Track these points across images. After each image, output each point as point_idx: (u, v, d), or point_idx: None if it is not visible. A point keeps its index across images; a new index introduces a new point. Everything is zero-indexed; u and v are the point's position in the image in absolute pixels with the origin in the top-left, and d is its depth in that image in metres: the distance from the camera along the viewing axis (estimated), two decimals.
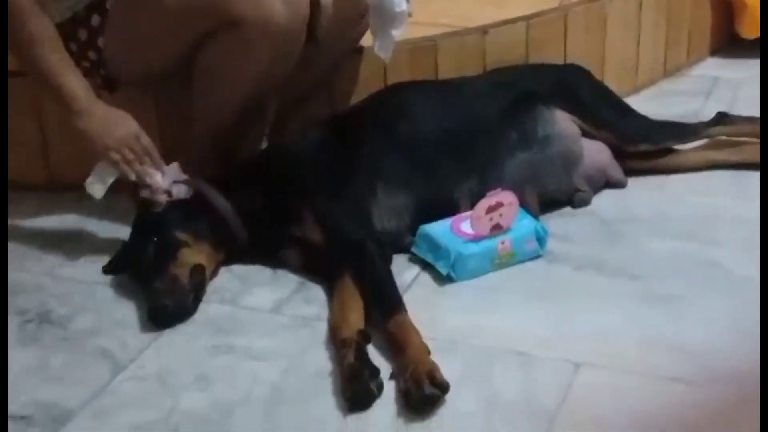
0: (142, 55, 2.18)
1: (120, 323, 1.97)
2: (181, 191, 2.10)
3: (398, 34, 2.28)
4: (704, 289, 1.97)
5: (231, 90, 2.17)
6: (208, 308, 2.00)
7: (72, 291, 2.08)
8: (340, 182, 2.10)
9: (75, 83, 2.05)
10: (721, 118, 2.44)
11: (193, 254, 2.02)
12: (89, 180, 2.11)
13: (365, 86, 2.42)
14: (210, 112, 2.22)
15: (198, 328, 1.94)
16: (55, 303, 2.04)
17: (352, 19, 2.33)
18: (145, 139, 2.09)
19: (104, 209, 2.36)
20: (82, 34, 2.17)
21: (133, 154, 2.07)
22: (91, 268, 2.14)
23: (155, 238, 2.03)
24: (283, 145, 2.25)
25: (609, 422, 1.65)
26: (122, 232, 2.16)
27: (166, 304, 1.94)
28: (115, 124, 2.08)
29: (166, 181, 2.08)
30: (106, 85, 2.26)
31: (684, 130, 2.42)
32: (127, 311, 2.00)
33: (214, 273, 2.09)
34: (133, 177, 2.07)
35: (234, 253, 2.12)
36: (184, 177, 2.11)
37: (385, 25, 2.27)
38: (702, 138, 2.43)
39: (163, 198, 2.07)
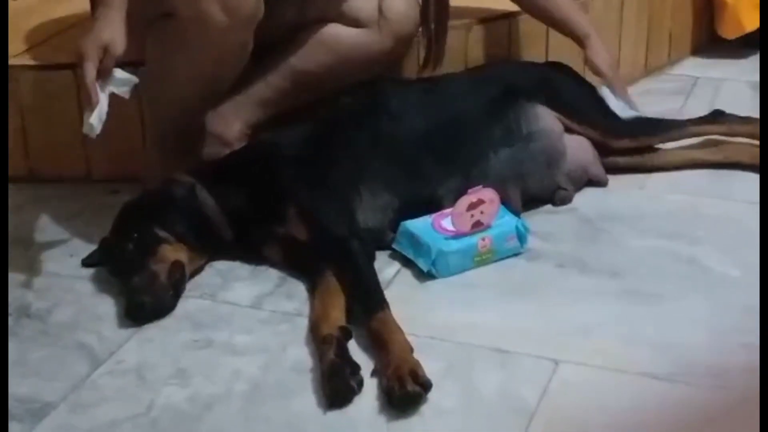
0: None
1: (99, 317, 1.96)
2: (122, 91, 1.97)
3: None
4: (684, 287, 1.98)
5: (173, 88, 2.16)
6: (188, 303, 1.99)
7: (51, 285, 2.06)
8: (323, 179, 2.10)
9: None
10: (716, 116, 2.42)
11: (173, 251, 2.01)
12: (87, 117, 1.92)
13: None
14: (159, 109, 2.23)
15: (177, 323, 1.93)
16: (33, 297, 2.02)
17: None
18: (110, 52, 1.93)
19: (84, 203, 2.36)
20: None
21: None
22: (71, 261, 2.13)
23: (135, 234, 2.02)
24: (266, 142, 2.24)
25: (588, 419, 1.65)
26: (102, 226, 2.14)
27: (143, 301, 1.93)
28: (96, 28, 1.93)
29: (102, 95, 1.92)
30: None
31: (670, 127, 2.41)
32: (106, 305, 1.99)
33: (198, 270, 2.08)
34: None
35: (216, 249, 2.11)
36: (128, 78, 1.98)
37: None
38: (691, 136, 2.41)
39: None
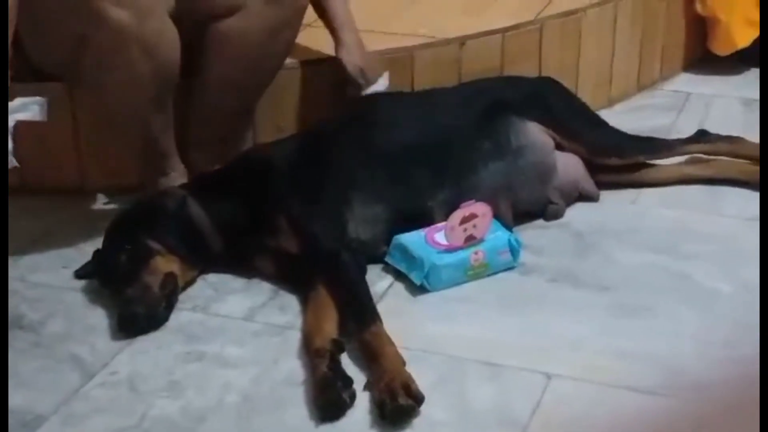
0: (37, 43, 2.17)
1: (92, 329, 1.96)
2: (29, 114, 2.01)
3: None
4: (675, 302, 1.98)
5: (112, 103, 2.17)
6: (181, 315, 1.99)
7: (44, 296, 2.06)
8: (315, 192, 2.10)
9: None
10: (701, 135, 2.45)
11: (166, 263, 2.02)
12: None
13: (341, 96, 2.42)
14: (112, 125, 2.24)
15: (170, 335, 1.93)
16: (26, 308, 2.02)
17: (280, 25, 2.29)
18: None
19: (77, 214, 2.36)
20: None
21: None
22: (64, 273, 2.13)
23: (128, 246, 2.02)
24: (259, 155, 2.24)
25: None
26: (96, 238, 2.14)
27: (136, 312, 1.93)
28: None
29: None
30: (35, 75, 2.27)
31: (658, 146, 2.43)
32: (99, 317, 1.99)
33: (191, 282, 2.08)
34: None
35: (208, 262, 2.11)
36: (31, 100, 2.03)
37: None
38: (678, 154, 2.43)
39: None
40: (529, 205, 2.27)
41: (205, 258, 2.10)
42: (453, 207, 2.06)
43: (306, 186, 2.11)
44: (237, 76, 2.27)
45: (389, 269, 2.10)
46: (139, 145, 2.24)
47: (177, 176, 2.26)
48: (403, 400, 1.66)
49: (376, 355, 1.77)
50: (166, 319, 1.97)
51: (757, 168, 2.37)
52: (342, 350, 1.81)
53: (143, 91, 2.13)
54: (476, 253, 2.06)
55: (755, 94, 2.84)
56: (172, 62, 2.14)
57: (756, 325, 1.84)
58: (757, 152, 2.41)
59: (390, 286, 2.07)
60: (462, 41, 2.58)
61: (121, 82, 2.11)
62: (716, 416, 1.68)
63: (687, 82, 3.05)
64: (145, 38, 2.07)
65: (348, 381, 1.73)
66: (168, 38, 2.12)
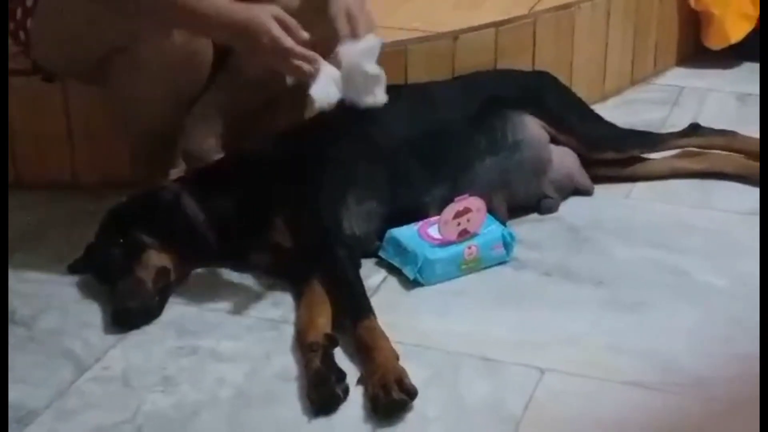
0: (62, 47, 2.16)
1: (85, 323, 1.95)
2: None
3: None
4: (669, 296, 1.99)
5: (148, 106, 2.16)
6: (174, 309, 1.99)
7: (36, 291, 2.06)
8: (310, 187, 2.10)
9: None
10: (694, 129, 2.46)
11: (159, 257, 2.01)
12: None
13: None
14: (136, 128, 2.24)
15: (163, 329, 1.93)
16: (19, 303, 2.02)
17: None
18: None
19: (70, 208, 2.35)
20: (18, 13, 2.17)
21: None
22: (56, 267, 2.12)
23: (121, 240, 2.02)
24: (253, 150, 2.24)
25: (574, 427, 1.66)
26: (88, 232, 2.14)
27: (129, 307, 1.93)
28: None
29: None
30: (38, 73, 2.28)
31: (652, 140, 2.44)
32: (92, 311, 1.99)
33: (184, 276, 2.08)
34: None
35: (202, 256, 2.11)
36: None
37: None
38: (671, 148, 2.44)
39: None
40: (524, 199, 2.27)
41: (199, 252, 2.10)
42: (448, 202, 2.05)
43: (300, 181, 2.11)
44: (269, 78, 2.26)
45: (383, 263, 2.10)
46: (148, 141, 2.24)
47: (176, 174, 2.25)
48: (396, 395, 1.66)
49: (370, 350, 1.76)
50: (159, 313, 1.96)
51: (751, 162, 2.38)
52: (335, 345, 1.81)
53: (172, 94, 2.14)
54: (470, 247, 2.06)
55: (749, 88, 2.85)
56: (205, 69, 2.15)
57: (751, 319, 1.85)
58: (750, 146, 2.42)
59: (383, 280, 2.07)
60: (455, 35, 2.57)
61: (151, 86, 2.12)
62: (712, 411, 1.68)
63: (680, 77, 3.05)
64: (188, 50, 2.08)
65: (341, 375, 1.73)
66: (206, 48, 2.13)
